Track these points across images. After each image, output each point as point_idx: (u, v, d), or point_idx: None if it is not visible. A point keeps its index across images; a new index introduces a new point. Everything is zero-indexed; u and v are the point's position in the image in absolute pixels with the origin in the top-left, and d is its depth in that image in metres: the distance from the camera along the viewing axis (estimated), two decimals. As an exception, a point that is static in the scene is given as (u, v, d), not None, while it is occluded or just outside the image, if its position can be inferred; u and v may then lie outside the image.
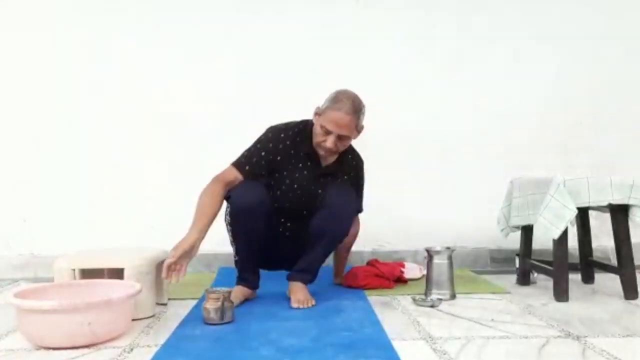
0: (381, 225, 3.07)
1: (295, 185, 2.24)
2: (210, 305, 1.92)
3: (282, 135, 2.24)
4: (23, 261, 3.01)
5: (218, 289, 1.98)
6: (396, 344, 1.69)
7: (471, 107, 3.18)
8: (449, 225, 3.07)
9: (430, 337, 1.78)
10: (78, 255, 2.16)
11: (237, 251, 2.25)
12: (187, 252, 1.95)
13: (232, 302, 1.97)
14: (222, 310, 1.92)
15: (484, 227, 3.00)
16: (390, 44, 3.17)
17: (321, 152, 2.22)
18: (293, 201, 2.25)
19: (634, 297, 2.31)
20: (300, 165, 2.25)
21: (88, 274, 2.21)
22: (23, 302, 1.69)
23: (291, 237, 2.30)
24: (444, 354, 1.62)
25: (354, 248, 2.63)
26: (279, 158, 2.22)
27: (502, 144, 3.17)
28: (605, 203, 2.30)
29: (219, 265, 2.95)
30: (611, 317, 2.03)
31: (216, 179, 2.15)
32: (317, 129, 2.18)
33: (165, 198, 2.99)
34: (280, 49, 3.12)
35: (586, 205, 2.30)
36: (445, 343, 1.72)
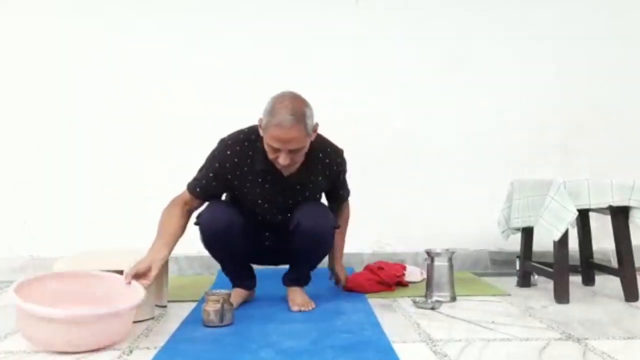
0: (381, 227, 3.06)
1: (260, 201, 2.12)
2: (210, 308, 1.91)
3: (229, 152, 2.08)
4: (23, 263, 3.00)
5: (217, 291, 1.98)
6: (396, 347, 1.68)
7: (471, 107, 3.17)
8: (449, 227, 3.06)
9: (430, 340, 1.78)
10: (77, 257, 2.15)
11: (222, 268, 2.25)
12: (144, 275, 1.89)
13: (231, 304, 1.97)
14: (221, 313, 1.91)
15: (484, 229, 3.00)
16: (390, 45, 3.16)
17: (279, 167, 2.01)
18: (263, 214, 2.16)
19: (635, 299, 2.31)
20: (260, 180, 2.09)
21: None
22: (33, 308, 1.63)
23: (272, 245, 2.25)
24: (444, 356, 1.61)
25: (353, 250, 2.62)
26: (229, 176, 2.09)
27: (503, 145, 3.16)
28: (605, 205, 2.30)
29: (218, 268, 2.94)
30: (612, 319, 2.03)
31: (173, 201, 2.12)
32: (265, 146, 1.98)
33: (165, 199, 2.97)
34: (280, 49, 3.11)
35: (586, 207, 2.30)
36: (445, 345, 1.72)
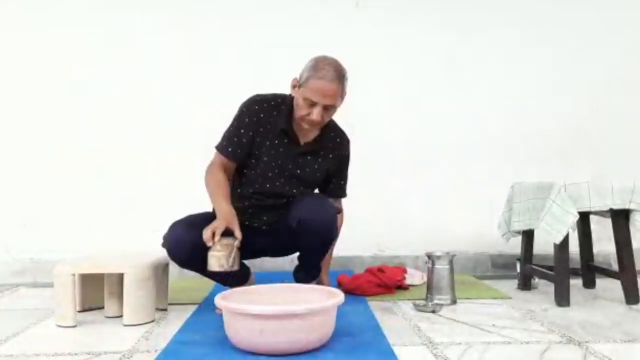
0: (382, 230, 3.06)
1: (273, 164, 2.14)
2: (220, 252, 1.82)
3: (257, 107, 2.14)
4: (22, 266, 3.00)
5: (227, 238, 1.88)
6: (397, 350, 1.68)
7: (472, 110, 3.18)
8: (449, 230, 3.06)
9: (431, 343, 1.78)
10: (78, 260, 2.15)
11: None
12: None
13: (239, 250, 1.90)
14: (233, 257, 1.84)
15: (485, 232, 3.00)
16: (390, 46, 3.17)
17: (305, 126, 2.08)
18: (270, 184, 2.16)
19: (635, 302, 2.31)
20: (277, 142, 2.14)
21: (88, 279, 2.21)
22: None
23: (268, 230, 2.22)
24: (445, 359, 1.61)
25: (354, 254, 2.62)
26: (252, 133, 2.12)
27: (503, 147, 3.17)
28: (606, 208, 2.30)
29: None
30: (612, 323, 2.03)
31: (211, 166, 2.14)
32: (299, 102, 2.04)
33: (166, 202, 2.99)
34: (280, 51, 3.12)
35: (587, 210, 2.30)
36: (446, 348, 1.71)
